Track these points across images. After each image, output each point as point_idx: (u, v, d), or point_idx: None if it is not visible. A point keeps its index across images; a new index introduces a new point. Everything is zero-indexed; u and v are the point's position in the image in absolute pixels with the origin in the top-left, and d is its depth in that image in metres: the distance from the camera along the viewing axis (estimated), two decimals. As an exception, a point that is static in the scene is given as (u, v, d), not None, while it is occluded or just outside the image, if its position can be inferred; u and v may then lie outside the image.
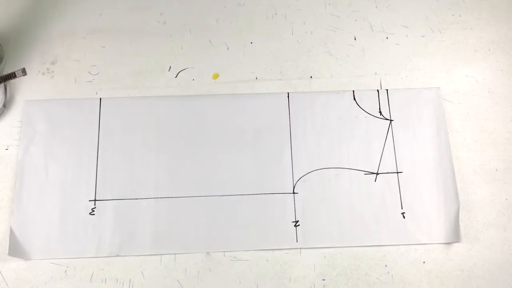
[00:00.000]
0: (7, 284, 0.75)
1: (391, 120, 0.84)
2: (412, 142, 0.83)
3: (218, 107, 0.85)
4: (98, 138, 0.83)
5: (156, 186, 0.80)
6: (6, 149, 0.82)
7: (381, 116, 0.85)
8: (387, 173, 0.81)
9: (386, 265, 0.77)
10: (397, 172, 0.81)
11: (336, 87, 0.87)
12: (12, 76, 0.82)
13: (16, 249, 0.76)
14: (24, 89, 0.86)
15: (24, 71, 0.82)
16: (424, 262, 0.77)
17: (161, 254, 0.77)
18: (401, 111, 0.85)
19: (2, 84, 0.83)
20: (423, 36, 0.91)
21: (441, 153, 0.82)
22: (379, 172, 0.81)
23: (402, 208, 0.79)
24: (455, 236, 0.78)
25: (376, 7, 0.93)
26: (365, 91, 0.86)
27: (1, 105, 0.83)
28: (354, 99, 0.86)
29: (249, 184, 0.80)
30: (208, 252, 0.77)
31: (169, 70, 0.89)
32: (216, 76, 0.88)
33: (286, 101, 0.85)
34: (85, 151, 0.82)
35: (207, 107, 0.85)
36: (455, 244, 0.78)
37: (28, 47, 0.89)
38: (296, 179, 0.81)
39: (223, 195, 0.80)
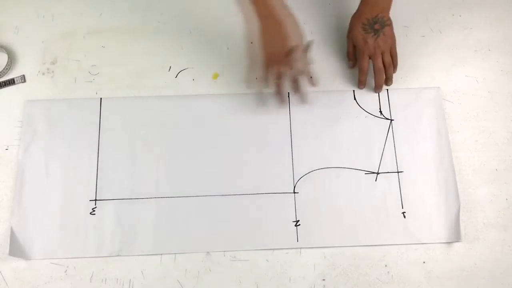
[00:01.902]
0: (7, 284, 0.75)
1: (391, 120, 0.84)
2: (413, 142, 0.83)
3: (218, 107, 0.85)
4: (98, 138, 0.83)
5: (157, 186, 0.80)
6: (6, 149, 0.82)
7: (382, 116, 0.85)
8: (388, 172, 0.81)
9: (386, 265, 0.77)
10: (398, 172, 0.81)
11: (336, 87, 0.87)
12: (11, 82, 0.83)
13: (16, 249, 0.76)
14: (24, 89, 0.86)
15: (23, 78, 0.82)
16: (424, 262, 0.77)
17: (161, 254, 0.77)
18: (401, 110, 0.85)
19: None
20: (423, 36, 0.91)
21: (442, 152, 0.82)
22: (379, 171, 0.81)
23: (402, 208, 0.79)
24: (455, 236, 0.78)
25: (376, 7, 0.93)
26: (366, 90, 0.86)
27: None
28: (355, 98, 0.86)
29: (250, 184, 0.80)
30: (208, 252, 0.77)
31: (169, 70, 0.89)
32: (216, 76, 0.88)
33: (286, 101, 0.85)
34: (85, 151, 0.82)
35: (207, 107, 0.85)
36: (455, 244, 0.78)
37: (28, 47, 0.89)
38: (296, 178, 0.81)
39: (223, 195, 0.80)
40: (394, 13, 0.89)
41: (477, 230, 0.79)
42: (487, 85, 0.88)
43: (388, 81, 0.86)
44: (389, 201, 0.79)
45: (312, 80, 0.81)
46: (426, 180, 0.80)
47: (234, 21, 0.92)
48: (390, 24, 0.83)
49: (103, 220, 0.78)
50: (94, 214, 0.78)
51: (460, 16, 0.93)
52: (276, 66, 0.76)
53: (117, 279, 0.76)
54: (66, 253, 0.76)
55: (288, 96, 0.86)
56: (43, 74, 0.88)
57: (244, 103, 0.85)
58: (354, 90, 0.86)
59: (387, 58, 0.84)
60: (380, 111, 0.85)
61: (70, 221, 0.78)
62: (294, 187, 0.80)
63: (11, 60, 0.88)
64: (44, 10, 0.92)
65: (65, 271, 0.76)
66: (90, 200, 0.79)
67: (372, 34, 0.83)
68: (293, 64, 0.76)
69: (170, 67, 0.89)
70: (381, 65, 0.84)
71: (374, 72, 0.84)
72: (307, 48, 0.78)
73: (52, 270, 0.76)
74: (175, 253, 0.77)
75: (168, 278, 0.76)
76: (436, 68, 0.89)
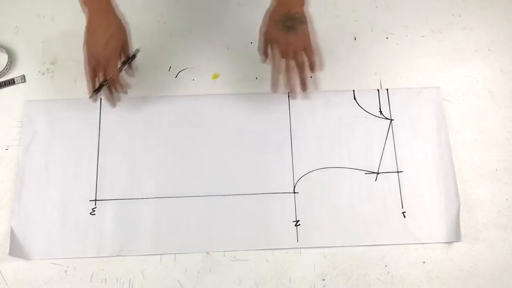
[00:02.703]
0: (7, 284, 0.75)
1: (391, 120, 0.84)
2: (413, 142, 0.83)
3: (218, 107, 0.85)
4: (98, 138, 0.83)
5: (157, 186, 0.80)
6: (6, 149, 0.82)
7: (382, 116, 0.85)
8: (388, 172, 0.81)
9: (386, 265, 0.77)
10: (398, 172, 0.81)
11: (336, 87, 0.87)
12: (11, 82, 0.83)
13: (16, 249, 0.76)
14: (24, 89, 0.86)
15: (23, 78, 0.83)
16: (424, 262, 0.77)
17: (161, 254, 0.77)
18: (401, 110, 0.85)
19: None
20: (423, 36, 0.91)
21: (442, 152, 0.82)
22: (379, 171, 0.81)
23: (402, 208, 0.79)
24: (455, 235, 0.77)
25: (376, 7, 0.93)
26: (365, 90, 0.86)
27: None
28: (355, 98, 0.86)
29: (250, 184, 0.80)
30: (208, 252, 0.77)
31: (169, 70, 0.89)
32: (216, 76, 0.88)
33: (286, 101, 0.85)
34: (85, 151, 0.82)
35: (207, 107, 0.85)
36: (455, 244, 0.78)
37: (28, 47, 0.89)
38: (296, 178, 0.81)
39: (223, 195, 0.80)
40: (394, 13, 0.89)
41: (477, 230, 0.79)
42: (487, 85, 0.88)
43: (302, 85, 0.76)
44: (389, 201, 0.79)
45: (123, 89, 0.81)
46: (426, 180, 0.80)
47: (234, 21, 0.92)
48: (305, 22, 0.74)
49: (103, 220, 0.78)
50: (94, 214, 0.78)
51: (460, 16, 0.93)
52: (97, 70, 0.77)
53: (117, 279, 0.76)
54: (66, 253, 0.76)
55: (288, 96, 0.86)
56: (43, 74, 0.88)
57: (244, 103, 0.85)
58: (354, 90, 0.86)
59: (300, 58, 0.75)
60: (380, 111, 0.85)
61: (70, 221, 0.78)
62: (294, 187, 0.80)
63: (11, 60, 0.88)
64: (44, 10, 0.92)
65: (65, 271, 0.76)
66: (90, 200, 0.79)
67: (285, 31, 0.74)
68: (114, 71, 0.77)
69: (170, 67, 0.89)
70: (292, 64, 0.75)
71: (286, 72, 0.76)
72: (131, 57, 0.80)
73: (52, 270, 0.76)
74: (175, 253, 0.77)
75: (168, 278, 0.76)
76: (436, 68, 0.89)
